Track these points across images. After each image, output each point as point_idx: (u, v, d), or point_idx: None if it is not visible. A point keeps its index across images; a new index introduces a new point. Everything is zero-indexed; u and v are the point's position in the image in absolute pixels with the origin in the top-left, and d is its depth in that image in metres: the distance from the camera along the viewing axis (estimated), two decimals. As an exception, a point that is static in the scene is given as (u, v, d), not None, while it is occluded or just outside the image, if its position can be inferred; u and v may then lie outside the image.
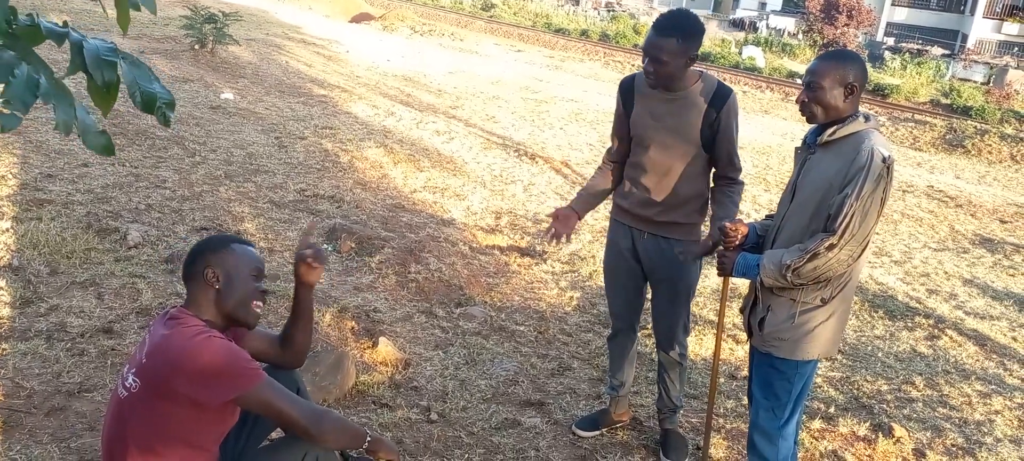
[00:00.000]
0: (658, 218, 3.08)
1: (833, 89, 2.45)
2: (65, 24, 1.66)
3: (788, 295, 2.55)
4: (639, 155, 3.09)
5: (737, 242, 2.70)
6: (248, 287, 2.17)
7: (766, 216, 2.88)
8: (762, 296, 2.63)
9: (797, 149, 2.70)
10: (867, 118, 2.49)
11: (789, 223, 2.58)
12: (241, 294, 2.16)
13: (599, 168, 3.33)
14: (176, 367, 1.96)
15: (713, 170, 3.09)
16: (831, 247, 2.37)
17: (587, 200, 3.31)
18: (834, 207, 2.39)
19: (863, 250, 2.44)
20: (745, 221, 2.78)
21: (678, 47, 2.80)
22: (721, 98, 2.92)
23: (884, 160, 2.36)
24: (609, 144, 3.29)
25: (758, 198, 8.54)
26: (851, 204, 2.34)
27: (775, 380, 2.66)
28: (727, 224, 2.70)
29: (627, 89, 3.12)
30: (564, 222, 3.21)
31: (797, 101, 2.57)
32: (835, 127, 2.48)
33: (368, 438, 2.23)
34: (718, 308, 2.99)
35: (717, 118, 2.92)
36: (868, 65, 25.90)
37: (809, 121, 2.57)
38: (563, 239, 3.22)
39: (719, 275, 2.85)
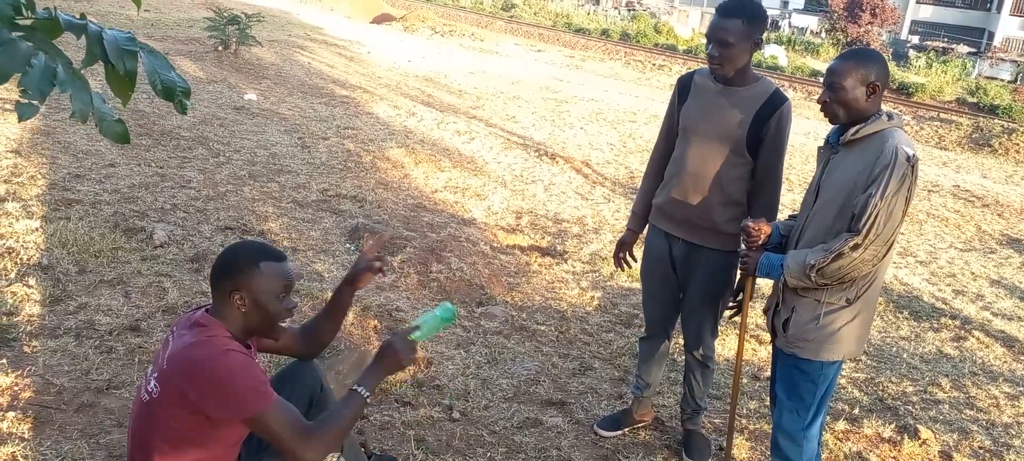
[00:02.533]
0: (695, 221, 3.05)
1: (855, 89, 2.42)
2: (82, 16, 1.69)
3: (813, 296, 2.53)
4: (683, 148, 3.06)
5: (760, 242, 2.68)
6: (275, 308, 2.12)
7: (788, 216, 2.86)
8: (786, 297, 2.61)
9: (820, 148, 2.68)
10: (890, 116, 2.46)
11: (813, 223, 2.56)
12: (268, 316, 2.13)
13: (645, 177, 3.30)
14: (192, 379, 1.98)
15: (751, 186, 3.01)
16: (856, 247, 2.35)
17: (641, 216, 3.31)
18: (858, 206, 2.37)
19: (888, 250, 2.42)
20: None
21: (744, 29, 2.79)
22: (775, 103, 2.88)
23: (908, 159, 2.34)
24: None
25: (781, 197, 8.46)
26: (875, 203, 2.32)
27: (799, 381, 2.64)
28: (750, 223, 2.68)
29: (685, 82, 3.11)
30: (627, 248, 3.32)
31: (818, 101, 2.54)
32: (858, 126, 2.45)
33: (364, 397, 2.16)
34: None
35: (767, 123, 2.87)
36: (893, 64, 25.71)
37: (831, 122, 2.55)
38: (629, 260, 3.33)
39: (742, 275, 2.83)
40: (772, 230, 2.71)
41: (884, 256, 2.42)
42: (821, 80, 2.62)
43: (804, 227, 2.61)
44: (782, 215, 3.01)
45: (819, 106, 2.55)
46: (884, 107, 2.53)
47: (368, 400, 2.19)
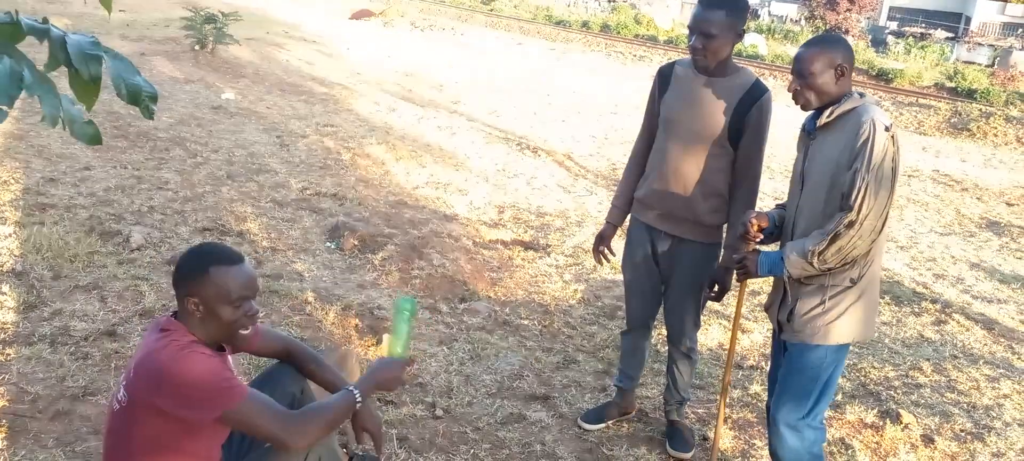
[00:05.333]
0: (677, 213, 3.04)
1: (823, 74, 2.46)
2: (44, 20, 1.65)
3: (817, 281, 2.52)
4: (664, 139, 3.04)
5: (760, 238, 2.67)
6: (231, 316, 2.04)
7: (777, 205, 2.84)
8: (790, 289, 2.59)
9: (799, 137, 2.68)
10: (862, 95, 2.49)
11: (804, 211, 2.56)
12: (224, 323, 2.05)
13: (627, 169, 3.28)
14: (159, 386, 1.93)
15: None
16: (851, 224, 2.36)
17: (622, 209, 3.29)
18: (846, 184, 2.38)
19: (883, 223, 2.41)
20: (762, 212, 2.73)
21: (727, 20, 2.78)
22: (755, 94, 2.88)
23: (887, 128, 2.37)
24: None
25: (762, 185, 8.49)
26: (862, 177, 2.34)
27: (803, 368, 2.61)
28: (751, 218, 2.65)
29: (665, 73, 3.09)
30: (605, 241, 3.30)
31: (789, 90, 2.56)
32: (831, 108, 2.48)
33: (356, 398, 2.19)
34: (730, 302, 2.96)
35: (748, 114, 2.87)
36: (871, 50, 25.84)
37: (804, 109, 2.57)
38: (608, 254, 3.31)
39: (739, 279, 2.78)
40: (768, 220, 2.69)
41: (881, 230, 2.42)
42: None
43: (796, 218, 2.61)
44: (767, 203, 3.01)
45: (791, 95, 2.56)
46: (853, 88, 2.55)
47: (358, 402, 2.19)
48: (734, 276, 2.87)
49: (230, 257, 2.08)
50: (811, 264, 2.44)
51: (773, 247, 2.74)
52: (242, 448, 2.41)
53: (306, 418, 2.12)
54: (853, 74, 2.54)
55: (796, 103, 2.56)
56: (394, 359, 2.33)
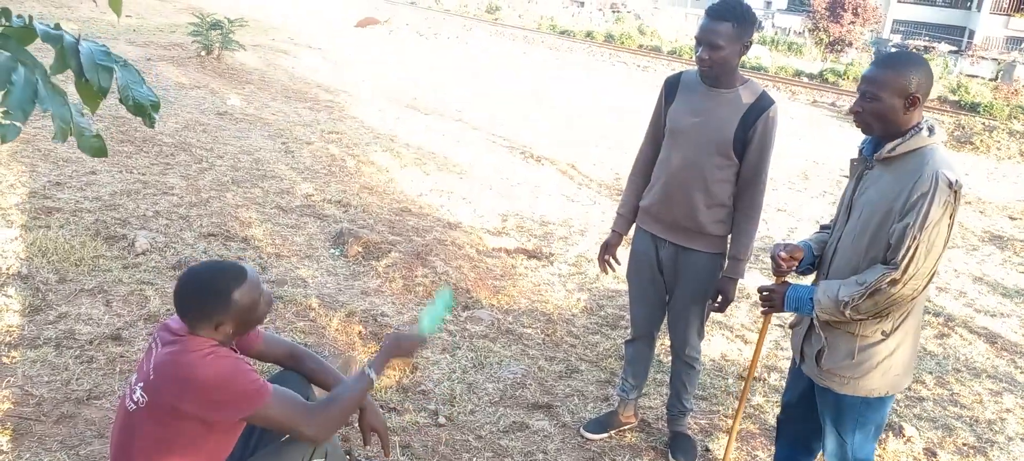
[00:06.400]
0: (681, 223, 3.05)
1: (892, 100, 2.19)
2: (57, 26, 1.68)
3: (846, 328, 2.35)
4: (669, 149, 3.05)
5: (794, 267, 2.53)
6: (260, 313, 2.16)
7: (820, 227, 2.72)
8: (818, 328, 2.44)
9: (853, 161, 2.47)
10: (931, 130, 2.21)
11: (845, 246, 2.38)
12: (254, 320, 2.16)
13: (631, 178, 3.29)
14: (184, 387, 1.96)
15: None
16: (894, 283, 2.16)
17: (627, 218, 3.30)
18: (895, 236, 2.17)
19: (929, 281, 2.21)
20: (799, 242, 2.61)
21: (734, 31, 2.79)
22: (762, 106, 2.87)
23: (951, 185, 2.11)
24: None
25: (765, 199, 8.46)
26: (915, 235, 2.11)
27: (838, 414, 2.48)
28: (782, 254, 2.51)
29: (672, 83, 3.10)
30: (611, 250, 3.30)
31: (850, 111, 2.32)
32: (895, 142, 2.22)
33: (372, 378, 2.27)
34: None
35: (754, 125, 2.87)
36: (875, 63, 25.81)
37: (864, 133, 2.33)
38: (613, 263, 3.31)
39: (764, 313, 2.65)
40: (805, 252, 2.55)
41: (925, 288, 2.22)
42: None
43: (835, 250, 2.43)
44: (771, 215, 3.00)
45: (852, 115, 2.32)
46: (925, 115, 2.28)
47: (374, 382, 2.27)
48: (739, 288, 2.87)
49: (238, 272, 2.09)
50: (843, 314, 2.26)
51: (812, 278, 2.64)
52: (247, 450, 2.43)
53: (326, 408, 2.18)
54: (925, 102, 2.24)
55: (856, 125, 2.30)
56: (412, 333, 2.41)
